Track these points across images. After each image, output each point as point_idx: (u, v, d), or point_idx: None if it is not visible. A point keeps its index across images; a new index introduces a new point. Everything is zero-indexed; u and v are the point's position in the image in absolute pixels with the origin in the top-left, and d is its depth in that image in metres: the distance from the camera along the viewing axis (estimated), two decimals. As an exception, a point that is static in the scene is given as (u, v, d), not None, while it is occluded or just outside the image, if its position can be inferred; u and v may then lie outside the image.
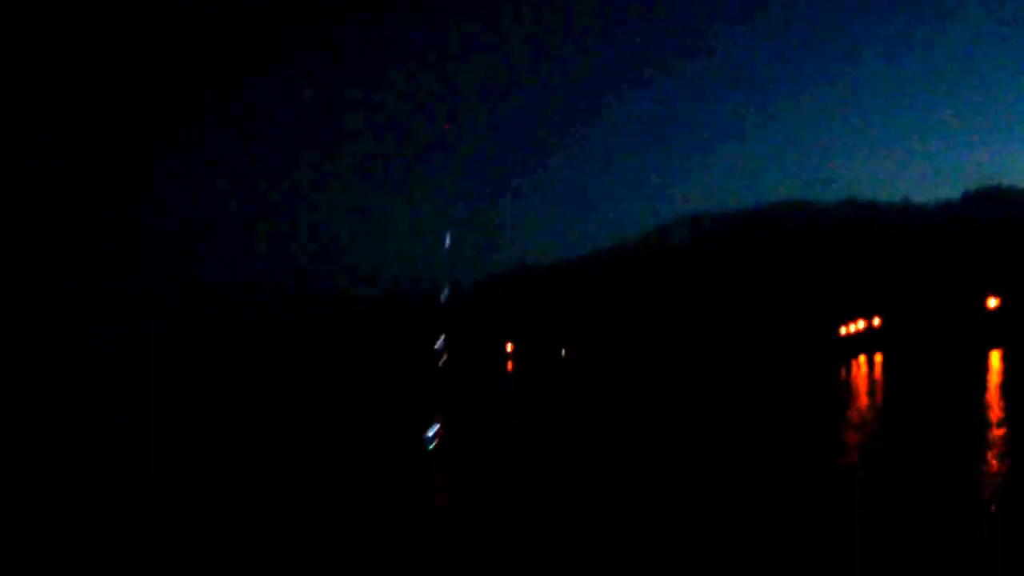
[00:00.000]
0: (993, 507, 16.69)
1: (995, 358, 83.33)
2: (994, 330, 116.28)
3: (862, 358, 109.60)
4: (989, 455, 22.70)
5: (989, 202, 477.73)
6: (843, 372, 78.52)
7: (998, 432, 27.51)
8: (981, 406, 35.94)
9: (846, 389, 55.81)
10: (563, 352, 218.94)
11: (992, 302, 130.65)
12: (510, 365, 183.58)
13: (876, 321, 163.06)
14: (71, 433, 41.69)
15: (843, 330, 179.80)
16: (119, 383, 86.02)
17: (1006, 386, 49.29)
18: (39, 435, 39.36)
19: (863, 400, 46.02)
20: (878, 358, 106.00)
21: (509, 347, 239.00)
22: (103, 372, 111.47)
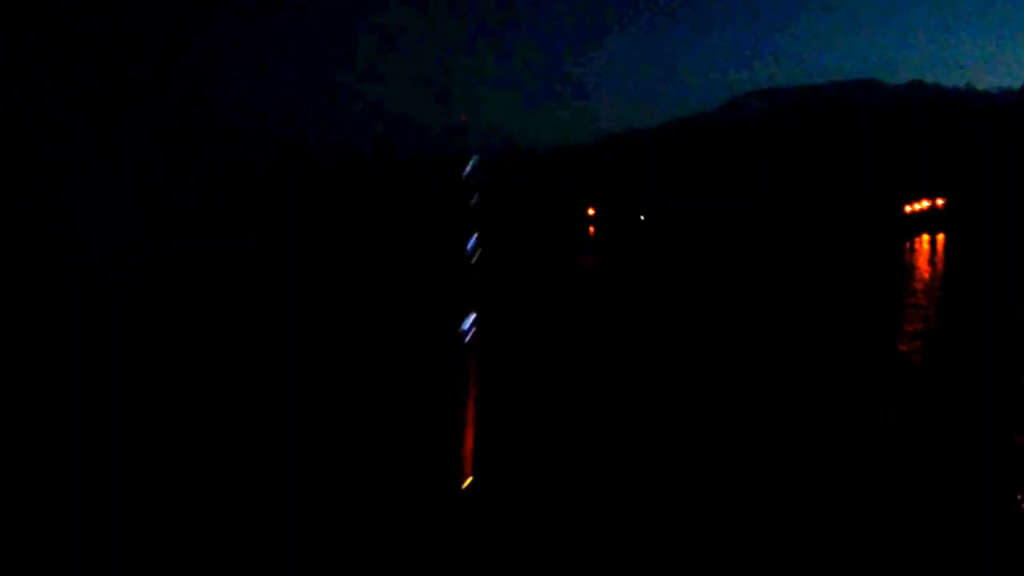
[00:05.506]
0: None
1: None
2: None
3: (925, 236, 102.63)
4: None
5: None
6: (907, 248, 73.47)
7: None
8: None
9: (909, 266, 51.94)
10: (641, 217, 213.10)
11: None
12: (592, 229, 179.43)
13: (940, 201, 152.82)
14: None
15: (908, 208, 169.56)
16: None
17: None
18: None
19: (925, 276, 42.41)
20: (940, 237, 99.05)
21: (591, 211, 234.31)
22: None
